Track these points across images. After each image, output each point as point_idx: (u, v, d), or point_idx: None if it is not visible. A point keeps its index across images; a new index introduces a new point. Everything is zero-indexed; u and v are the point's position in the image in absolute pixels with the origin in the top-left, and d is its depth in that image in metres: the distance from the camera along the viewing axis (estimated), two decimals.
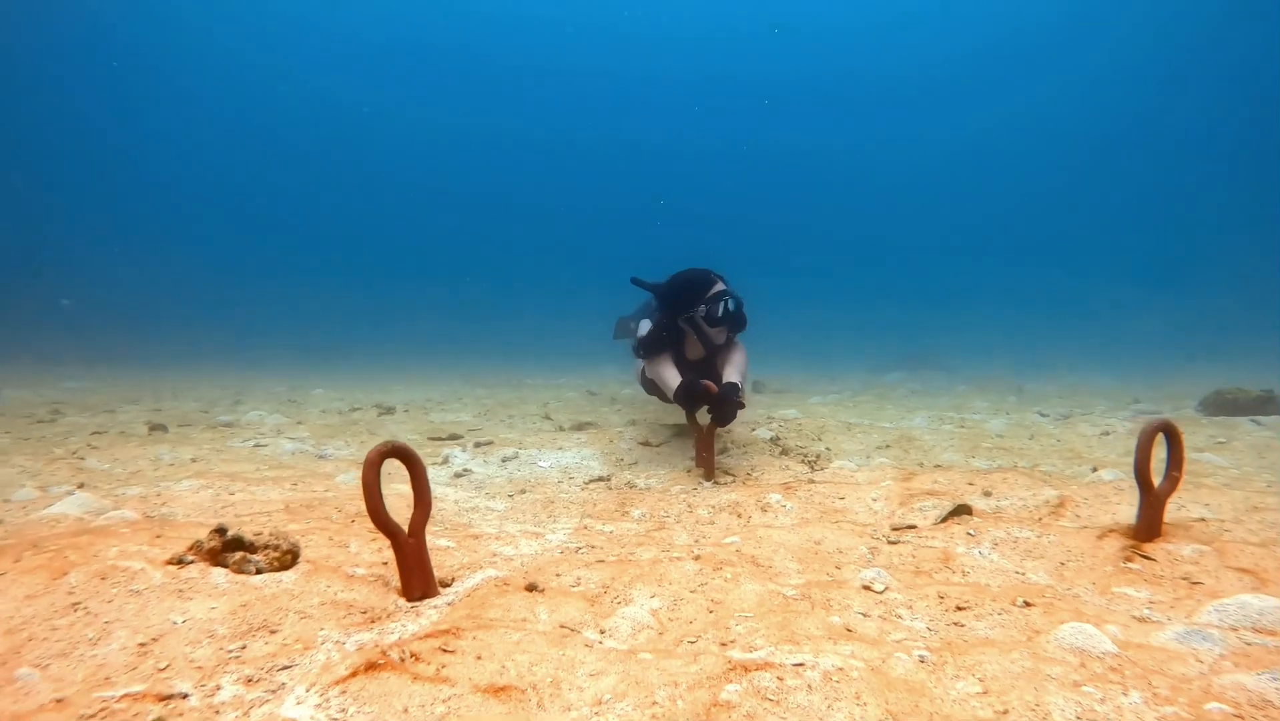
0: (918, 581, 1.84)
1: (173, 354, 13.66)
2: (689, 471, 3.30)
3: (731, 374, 3.60)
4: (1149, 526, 2.06)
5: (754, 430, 4.32)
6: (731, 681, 1.24)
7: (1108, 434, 4.33)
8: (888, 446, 4.14)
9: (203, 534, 1.82)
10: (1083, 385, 9.00)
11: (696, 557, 1.99)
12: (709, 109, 39.97)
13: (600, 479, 3.28)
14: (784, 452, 3.84)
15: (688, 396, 3.28)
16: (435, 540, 2.16)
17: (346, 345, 17.12)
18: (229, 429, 4.79)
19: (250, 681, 1.26)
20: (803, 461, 3.57)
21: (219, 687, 1.24)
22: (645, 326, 4.35)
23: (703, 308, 3.69)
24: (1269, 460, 3.51)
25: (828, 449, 3.99)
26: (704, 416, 3.35)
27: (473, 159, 43.83)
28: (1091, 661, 1.36)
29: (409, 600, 1.74)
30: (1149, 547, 1.99)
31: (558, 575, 1.88)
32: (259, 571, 1.73)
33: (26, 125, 35.40)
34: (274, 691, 1.23)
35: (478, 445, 3.85)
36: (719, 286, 3.77)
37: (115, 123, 37.80)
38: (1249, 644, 1.44)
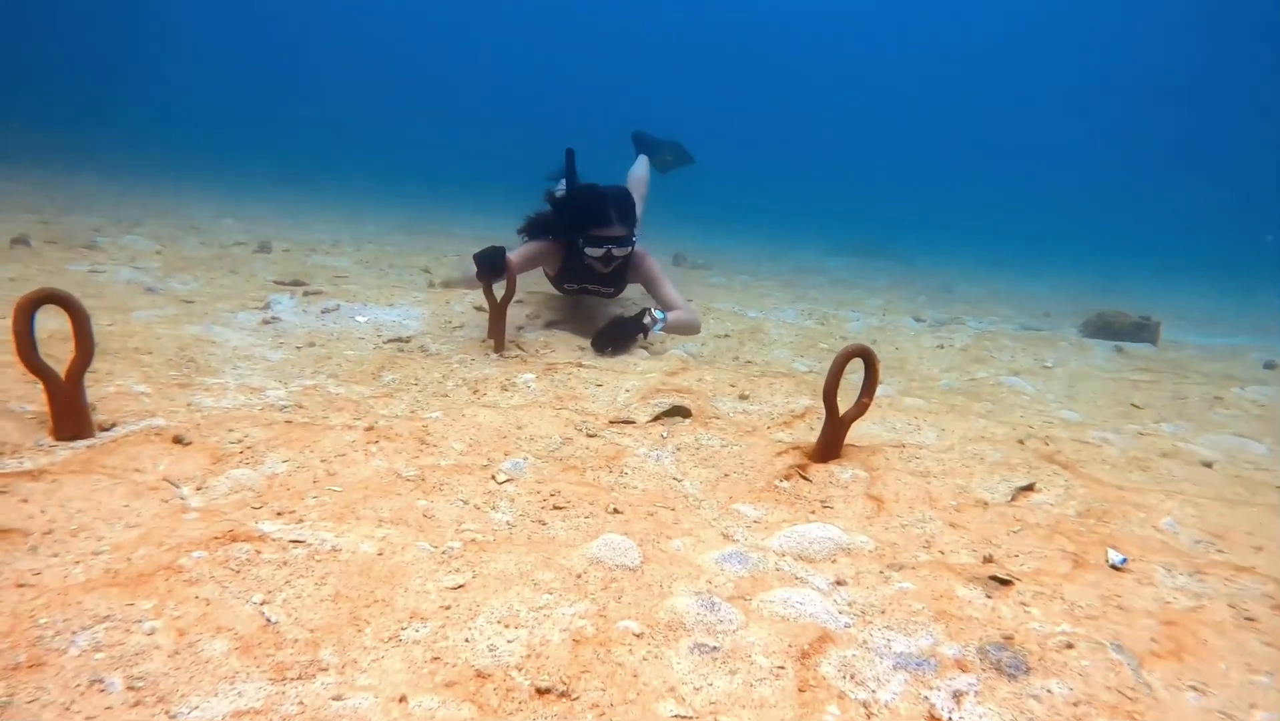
0: (560, 476, 1.88)
1: (150, 164, 13.22)
2: (484, 341, 3.30)
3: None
4: (826, 447, 2.09)
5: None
6: (201, 550, 1.28)
7: (942, 347, 4.33)
8: (725, 336, 4.14)
9: None
10: (1010, 292, 8.93)
11: (369, 429, 2.01)
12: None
13: (398, 339, 3.28)
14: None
15: (488, 266, 3.19)
16: (134, 385, 2.17)
17: (319, 175, 16.58)
18: (91, 251, 4.72)
19: None
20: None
21: None
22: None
23: (580, 241, 3.53)
24: (1075, 390, 3.53)
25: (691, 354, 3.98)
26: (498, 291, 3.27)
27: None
28: (599, 571, 1.40)
29: (56, 439, 1.78)
30: (816, 468, 2.03)
31: (229, 431, 1.91)
32: None
33: None
34: None
35: (306, 293, 3.82)
36: (616, 230, 3.49)
37: None
38: (778, 569, 1.49)
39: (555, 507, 1.68)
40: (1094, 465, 2.30)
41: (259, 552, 1.30)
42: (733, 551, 1.53)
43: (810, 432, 2.46)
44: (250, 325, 3.25)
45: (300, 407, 2.21)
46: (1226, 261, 15.56)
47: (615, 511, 1.68)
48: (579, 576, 1.37)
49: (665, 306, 3.66)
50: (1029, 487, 2.02)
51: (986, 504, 1.90)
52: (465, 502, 1.66)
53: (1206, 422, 3.09)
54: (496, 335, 3.17)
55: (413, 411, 2.31)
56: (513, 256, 3.35)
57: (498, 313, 3.16)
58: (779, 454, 2.11)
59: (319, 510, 1.52)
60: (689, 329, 3.77)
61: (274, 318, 3.36)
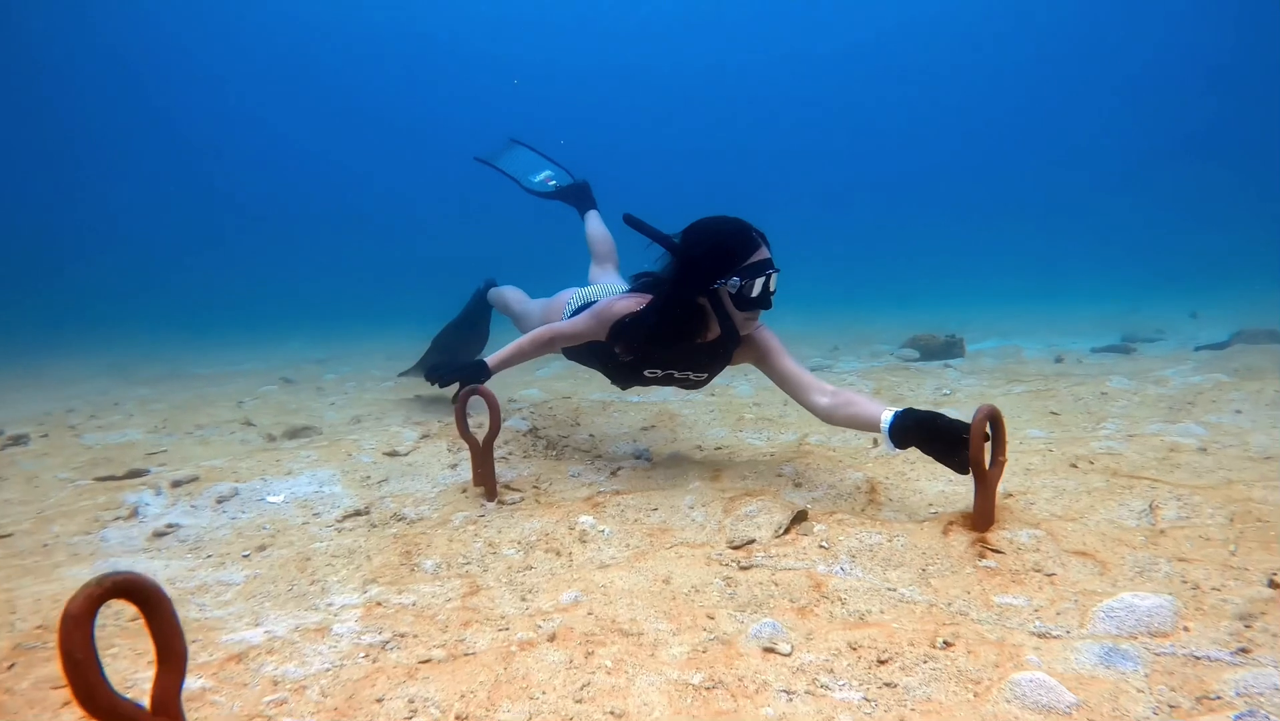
0: (808, 625, 1.60)
1: None
2: (464, 491, 2.79)
3: (866, 403, 2.42)
4: (982, 515, 2.05)
5: (506, 419, 3.86)
6: None
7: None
8: (651, 428, 3.97)
9: None
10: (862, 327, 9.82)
11: (552, 638, 1.55)
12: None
13: (357, 513, 2.63)
14: (550, 446, 3.46)
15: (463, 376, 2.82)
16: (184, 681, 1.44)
17: None
18: None
19: None
20: (570, 454, 3.23)
21: None
22: (590, 296, 3.32)
23: (735, 280, 2.49)
24: None
25: (591, 436, 3.70)
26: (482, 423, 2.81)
27: None
28: (1048, 719, 1.20)
29: None
30: (991, 538, 1.98)
31: (379, 702, 1.33)
32: None
33: None
34: None
35: (176, 483, 2.91)
36: (764, 252, 2.55)
37: None
38: (1157, 655, 1.40)
39: (880, 662, 1.42)
40: (1167, 471, 2.55)
41: None
42: (1102, 650, 1.41)
43: (892, 503, 2.43)
44: (139, 543, 2.39)
45: (404, 638, 1.63)
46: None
47: (947, 645, 1.47)
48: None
49: (797, 385, 2.64)
50: (1153, 506, 2.17)
51: (1152, 530, 2.00)
52: (792, 694, 1.33)
53: (1139, 417, 3.60)
54: (486, 480, 2.68)
55: (528, 604, 1.83)
56: (544, 336, 2.93)
57: (483, 453, 2.68)
58: (943, 533, 2.03)
59: None
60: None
61: (168, 525, 2.50)
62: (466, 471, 3.10)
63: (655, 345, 2.71)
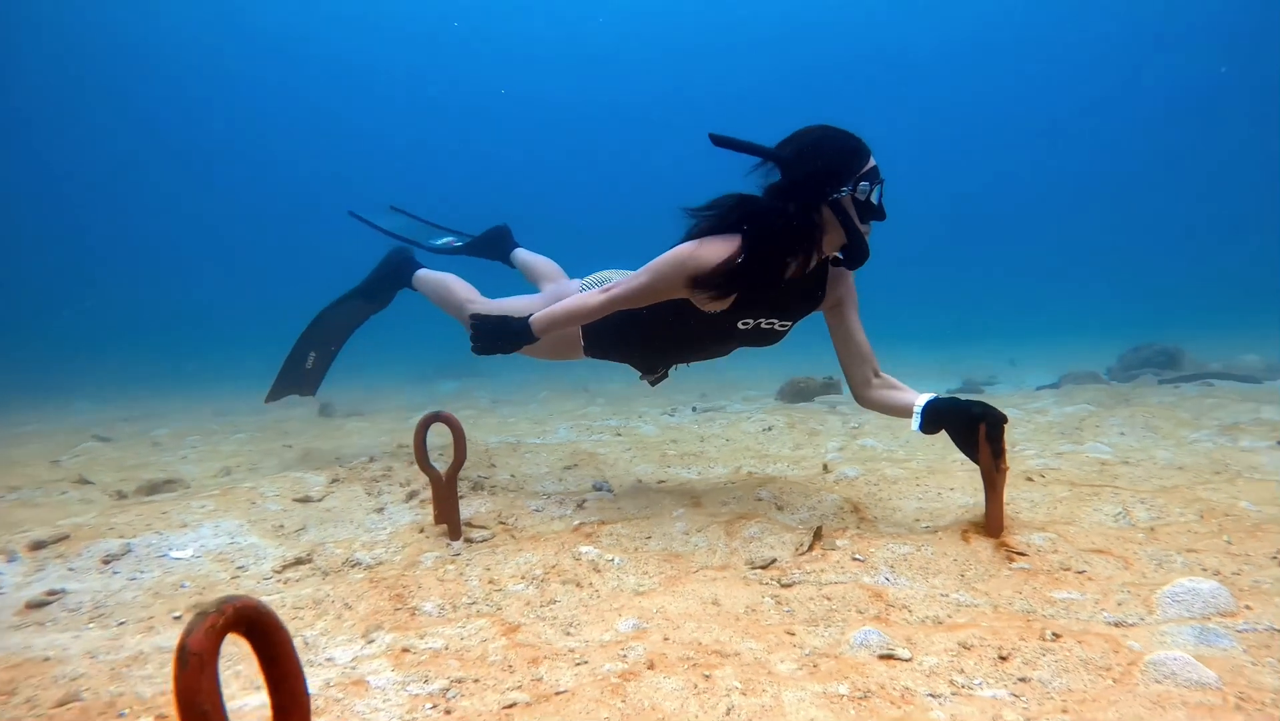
0: (901, 631, 1.53)
1: None
2: (421, 530, 2.47)
3: (904, 391, 2.41)
4: (994, 520, 2.10)
5: (411, 464, 3.49)
6: None
7: (771, 429, 4.67)
8: (574, 466, 3.78)
9: None
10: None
11: (650, 665, 1.35)
12: None
13: (298, 561, 2.24)
14: (476, 486, 3.19)
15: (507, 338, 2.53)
16: None
17: None
18: None
19: None
20: (501, 492, 2.99)
21: None
22: (605, 277, 2.91)
23: (864, 184, 2.18)
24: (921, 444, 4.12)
25: (512, 476, 3.46)
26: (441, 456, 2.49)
27: None
28: (1207, 695, 1.20)
29: None
30: (1011, 542, 2.02)
31: None
32: None
33: None
34: None
35: (36, 545, 2.32)
36: (874, 160, 2.24)
37: None
38: (1240, 631, 1.46)
39: (1001, 658, 1.37)
40: (1112, 480, 2.73)
41: None
42: (1196, 631, 1.44)
43: (879, 521, 2.44)
44: (6, 617, 1.88)
45: (460, 683, 1.36)
46: None
47: (1056, 637, 1.44)
48: (1220, 706, 1.15)
49: (859, 349, 2.50)
50: (1125, 510, 2.32)
51: (1141, 529, 2.13)
52: (939, 697, 1.25)
53: (1046, 440, 3.89)
54: (449, 516, 2.39)
55: (570, 632, 1.61)
56: (597, 300, 2.41)
57: (446, 488, 2.40)
58: (965, 539, 2.05)
59: None
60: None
61: (51, 593, 1.99)
62: (396, 514, 2.78)
63: (766, 279, 2.31)
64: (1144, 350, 7.92)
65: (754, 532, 2.24)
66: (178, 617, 1.82)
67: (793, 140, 2.26)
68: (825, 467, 3.24)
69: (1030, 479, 2.78)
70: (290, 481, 3.19)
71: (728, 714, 1.17)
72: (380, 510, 2.85)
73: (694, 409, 6.49)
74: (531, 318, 2.51)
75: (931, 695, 1.25)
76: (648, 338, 2.64)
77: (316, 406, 7.64)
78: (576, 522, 2.46)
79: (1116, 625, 1.54)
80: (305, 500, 2.97)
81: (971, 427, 2.11)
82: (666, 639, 1.50)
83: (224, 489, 3.13)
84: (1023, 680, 1.30)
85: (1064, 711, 1.19)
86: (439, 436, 3.36)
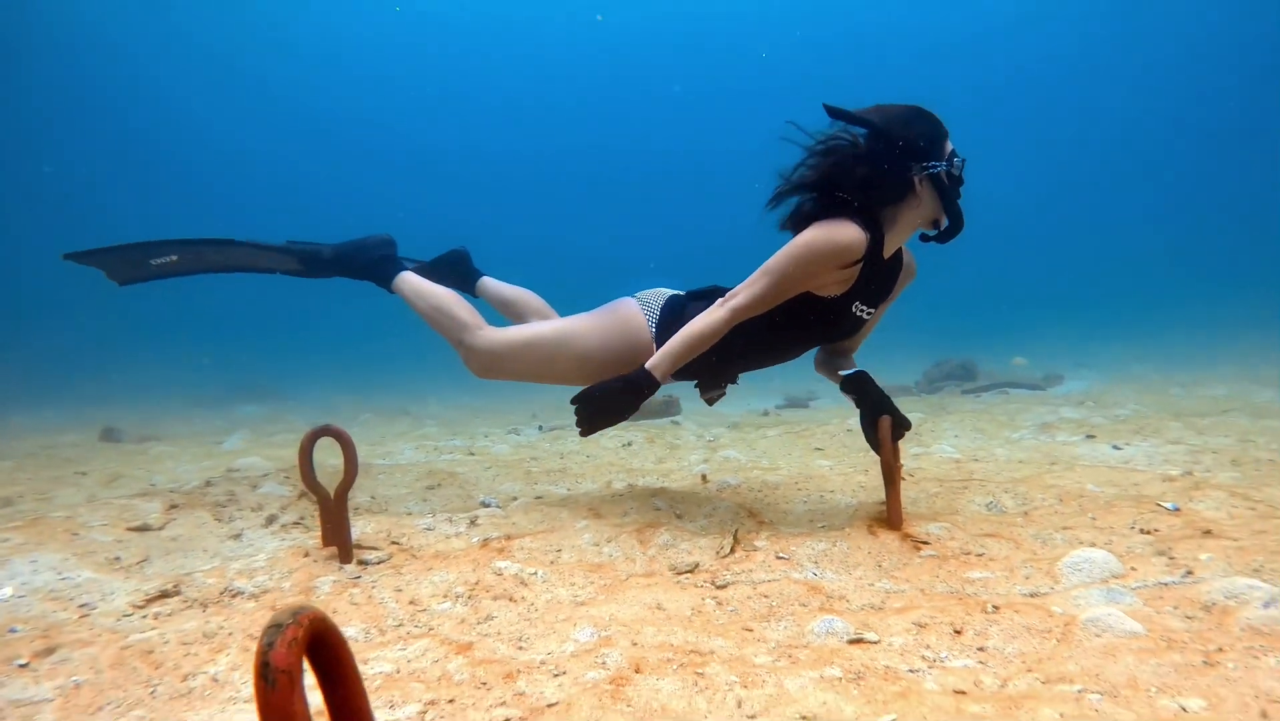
0: (861, 618, 1.56)
1: None
2: (306, 554, 2.20)
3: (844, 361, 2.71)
4: (896, 514, 2.22)
5: (259, 486, 3.13)
6: None
7: (630, 444, 4.67)
8: (438, 486, 3.56)
9: None
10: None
11: (638, 669, 1.28)
12: None
13: (163, 595, 1.90)
14: (355, 510, 2.92)
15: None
16: None
17: None
18: None
19: None
20: (368, 515, 2.76)
21: None
22: (654, 296, 2.78)
23: (960, 159, 2.28)
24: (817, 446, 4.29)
25: (372, 497, 3.22)
26: (331, 473, 2.23)
27: None
28: (1142, 641, 1.33)
29: None
30: (913, 533, 2.14)
31: None
32: None
33: None
34: None
35: None
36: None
37: None
38: (1135, 589, 1.64)
39: (956, 632, 1.44)
40: (968, 475, 2.97)
41: None
42: (1106, 591, 1.60)
43: (774, 523, 2.51)
44: None
45: (434, 704, 1.20)
46: None
47: (994, 609, 1.53)
48: (1139, 650, 1.28)
49: (861, 335, 2.76)
50: (995, 499, 2.54)
51: (1016, 514, 2.35)
52: (920, 670, 1.28)
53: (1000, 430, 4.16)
54: (339, 537, 2.15)
55: (522, 647, 1.49)
56: (721, 318, 2.33)
57: (336, 508, 2.16)
58: (872, 533, 2.15)
59: None
60: None
61: None
62: (258, 540, 2.48)
63: (882, 255, 2.34)
64: (945, 364, 8.84)
65: (666, 540, 2.21)
66: (25, 665, 1.48)
67: (881, 114, 2.28)
68: (704, 479, 3.29)
69: (903, 478, 2.98)
70: (117, 508, 2.74)
71: (739, 706, 1.13)
72: (237, 536, 2.53)
73: (540, 427, 6.39)
74: (650, 364, 2.35)
75: (912, 670, 1.28)
76: (756, 343, 2.52)
77: (96, 431, 6.73)
78: (479, 539, 2.31)
79: (1033, 595, 1.67)
80: (143, 529, 2.56)
81: (880, 414, 2.31)
82: (635, 643, 1.43)
83: (28, 519, 2.62)
84: (980, 649, 1.38)
85: (1029, 670, 1.27)
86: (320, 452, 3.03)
